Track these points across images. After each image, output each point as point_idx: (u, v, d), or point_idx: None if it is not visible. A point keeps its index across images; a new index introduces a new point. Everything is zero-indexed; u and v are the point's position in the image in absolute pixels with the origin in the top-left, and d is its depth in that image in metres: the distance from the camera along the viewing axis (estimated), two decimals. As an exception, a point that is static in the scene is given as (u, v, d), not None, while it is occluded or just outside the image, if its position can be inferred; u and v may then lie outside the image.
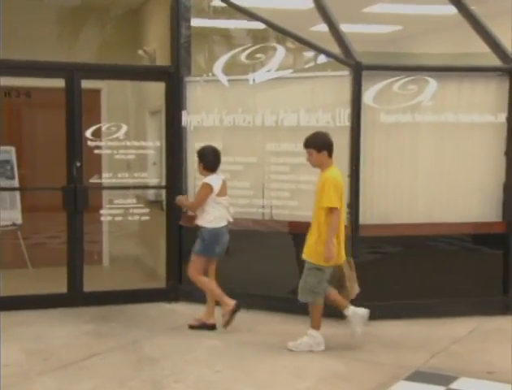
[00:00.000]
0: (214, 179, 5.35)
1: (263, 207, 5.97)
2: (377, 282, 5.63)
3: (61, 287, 5.86)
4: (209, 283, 5.43)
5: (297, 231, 5.78)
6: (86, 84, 5.97)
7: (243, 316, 5.73)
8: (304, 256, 5.03)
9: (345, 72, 5.55)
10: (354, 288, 5.17)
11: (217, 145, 6.02)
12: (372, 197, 5.70)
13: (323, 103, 5.68)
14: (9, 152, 6.88)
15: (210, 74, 6.12)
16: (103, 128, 6.20)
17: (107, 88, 7.29)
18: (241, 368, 4.64)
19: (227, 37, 6.72)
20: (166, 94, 6.19)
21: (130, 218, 6.20)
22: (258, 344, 5.08)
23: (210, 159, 5.39)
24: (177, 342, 5.12)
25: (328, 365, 4.70)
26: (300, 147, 5.68)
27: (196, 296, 6.09)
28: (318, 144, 4.92)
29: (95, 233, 7.06)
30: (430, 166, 5.79)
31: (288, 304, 5.75)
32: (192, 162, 6.20)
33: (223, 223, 5.37)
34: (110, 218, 6.26)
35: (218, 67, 6.02)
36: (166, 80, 6.14)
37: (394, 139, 5.72)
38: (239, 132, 6.00)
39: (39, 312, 5.67)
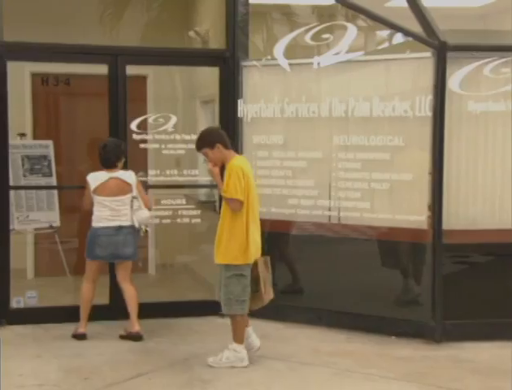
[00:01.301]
0: (95, 175, 5.48)
1: (330, 209, 5.91)
2: (463, 297, 5.51)
3: (102, 298, 5.91)
4: (85, 293, 5.53)
5: (369, 237, 5.75)
6: (131, 70, 6.01)
7: (307, 332, 5.69)
8: (218, 261, 4.98)
9: (427, 54, 5.44)
10: (268, 293, 5.14)
11: (277, 138, 6.04)
12: (457, 199, 5.57)
13: (400, 90, 5.58)
14: (46, 146, 6.97)
15: (270, 57, 6.08)
16: (150, 120, 6.23)
17: (154, 75, 7.33)
18: (306, 394, 4.59)
19: (289, 15, 6.69)
20: (220, 81, 6.18)
21: (179, 220, 6.21)
22: (323, 366, 5.03)
23: (99, 154, 5.51)
24: (231, 361, 5.12)
25: (408, 392, 4.61)
26: (374, 140, 5.65)
27: (253, 309, 6.07)
28: (208, 141, 5.02)
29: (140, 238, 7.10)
30: (527, 163, 5.61)
31: (354, 320, 5.77)
32: (249, 157, 6.15)
33: (105, 224, 5.47)
34: (156, 220, 6.27)
35: (279, 49, 5.98)
36: (220, 65, 6.13)
37: (484, 131, 5.57)
38: (302, 124, 5.94)
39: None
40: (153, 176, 6.25)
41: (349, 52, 5.73)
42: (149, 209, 5.64)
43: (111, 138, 5.70)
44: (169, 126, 6.17)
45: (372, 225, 5.69)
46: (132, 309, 5.54)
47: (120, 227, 5.49)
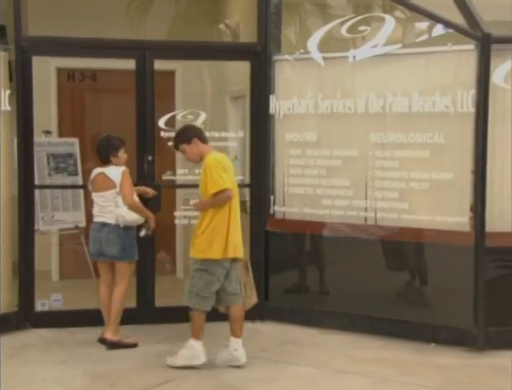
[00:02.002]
0: (92, 172, 5.62)
1: (366, 210, 5.87)
2: (507, 303, 5.46)
3: (129, 301, 5.91)
4: (100, 295, 5.59)
5: (407, 239, 5.72)
6: (159, 64, 6.03)
7: (340, 338, 5.66)
8: (190, 255, 5.13)
9: (470, 46, 5.39)
10: (250, 298, 5.20)
11: (311, 135, 6.02)
12: (501, 199, 5.49)
13: (440, 84, 5.53)
14: (72, 144, 7.02)
15: (303, 51, 6.06)
16: (178, 117, 6.26)
17: (182, 70, 7.34)
18: (341, 403, 4.58)
19: (323, 7, 6.66)
20: (251, 76, 6.17)
21: (208, 221, 6.19)
22: (358, 374, 5.00)
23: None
24: (261, 368, 5.11)
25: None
26: (413, 138, 5.61)
27: (285, 314, 6.07)
28: (185, 136, 5.19)
29: (168, 239, 7.12)
30: None
31: (390, 326, 5.74)
32: (281, 155, 6.16)
33: (95, 219, 5.56)
34: (185, 221, 6.29)
35: (312, 42, 5.97)
36: (251, 59, 6.13)
37: (530, 127, 5.49)
38: (337, 120, 5.91)
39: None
40: (181, 175, 6.29)
41: (386, 45, 5.69)
42: (129, 205, 5.44)
43: (108, 133, 5.69)
44: (198, 123, 6.15)
45: (410, 227, 5.64)
46: (111, 313, 5.54)
47: (104, 224, 5.50)
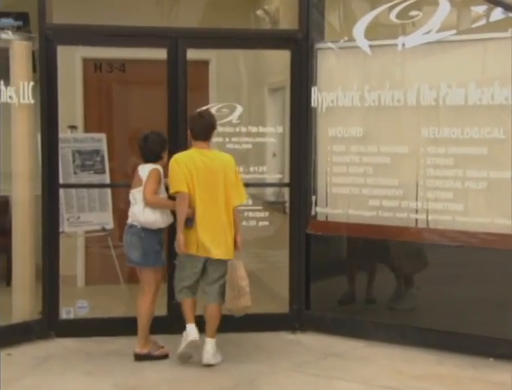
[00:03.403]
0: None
1: (417, 212, 5.83)
2: None
3: (160, 308, 5.93)
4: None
5: (462, 244, 5.65)
6: (192, 54, 6.03)
7: (389, 352, 5.60)
8: None
9: (533, 32, 5.31)
10: (233, 301, 5.33)
11: (356, 130, 6.00)
12: None
13: (500, 74, 5.46)
14: (99, 140, 7.05)
15: (348, 39, 6.04)
16: (212, 110, 6.23)
17: (217, 60, 7.38)
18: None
19: (370, -10, 6.60)
20: (291, 66, 6.16)
21: (244, 223, 6.19)
22: (411, 392, 4.96)
23: (140, 147, 5.57)
24: (302, 383, 5.11)
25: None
26: (469, 133, 5.58)
27: (327, 325, 6.05)
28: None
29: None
30: None
31: (443, 338, 5.69)
32: (324, 152, 6.13)
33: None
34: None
35: (358, 29, 5.94)
36: (291, 48, 6.12)
37: None
38: (385, 114, 5.88)
39: (134, 339, 5.74)
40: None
41: (440, 31, 5.64)
42: (147, 203, 5.30)
43: (152, 130, 5.59)
44: (234, 117, 6.20)
45: (466, 230, 5.59)
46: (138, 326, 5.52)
47: (130, 226, 5.44)
